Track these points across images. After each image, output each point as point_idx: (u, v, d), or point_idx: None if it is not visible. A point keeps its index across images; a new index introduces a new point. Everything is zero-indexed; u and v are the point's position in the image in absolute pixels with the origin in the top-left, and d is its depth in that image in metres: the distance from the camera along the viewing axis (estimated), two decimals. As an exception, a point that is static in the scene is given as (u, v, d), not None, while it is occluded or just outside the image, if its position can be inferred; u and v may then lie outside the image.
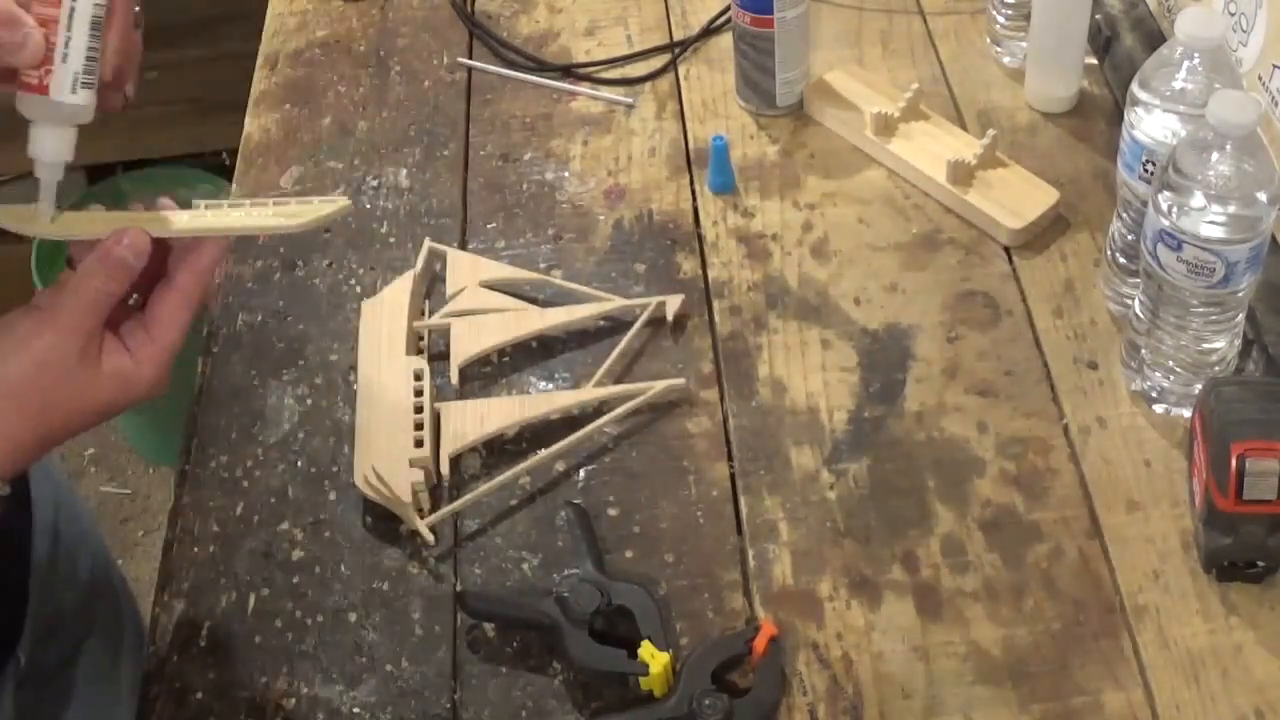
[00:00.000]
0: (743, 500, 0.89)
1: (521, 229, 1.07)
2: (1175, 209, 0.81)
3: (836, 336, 0.98)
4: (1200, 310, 0.85)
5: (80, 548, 1.05)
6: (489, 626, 0.83)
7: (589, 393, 0.93)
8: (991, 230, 1.03)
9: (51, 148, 0.76)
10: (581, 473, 0.91)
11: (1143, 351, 0.90)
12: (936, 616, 0.82)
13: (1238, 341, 0.89)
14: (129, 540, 1.98)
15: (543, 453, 0.90)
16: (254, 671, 0.82)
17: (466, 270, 1.01)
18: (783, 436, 0.92)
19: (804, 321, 0.99)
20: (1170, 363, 0.89)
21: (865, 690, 0.79)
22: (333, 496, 0.91)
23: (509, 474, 0.89)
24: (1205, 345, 0.88)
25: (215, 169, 1.94)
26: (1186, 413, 0.89)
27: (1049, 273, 1.01)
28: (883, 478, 0.89)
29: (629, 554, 0.86)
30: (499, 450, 0.92)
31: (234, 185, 1.14)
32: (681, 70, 1.21)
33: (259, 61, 1.26)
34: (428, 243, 1.03)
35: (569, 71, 1.21)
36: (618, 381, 0.95)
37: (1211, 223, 0.80)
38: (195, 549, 0.89)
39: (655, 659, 0.77)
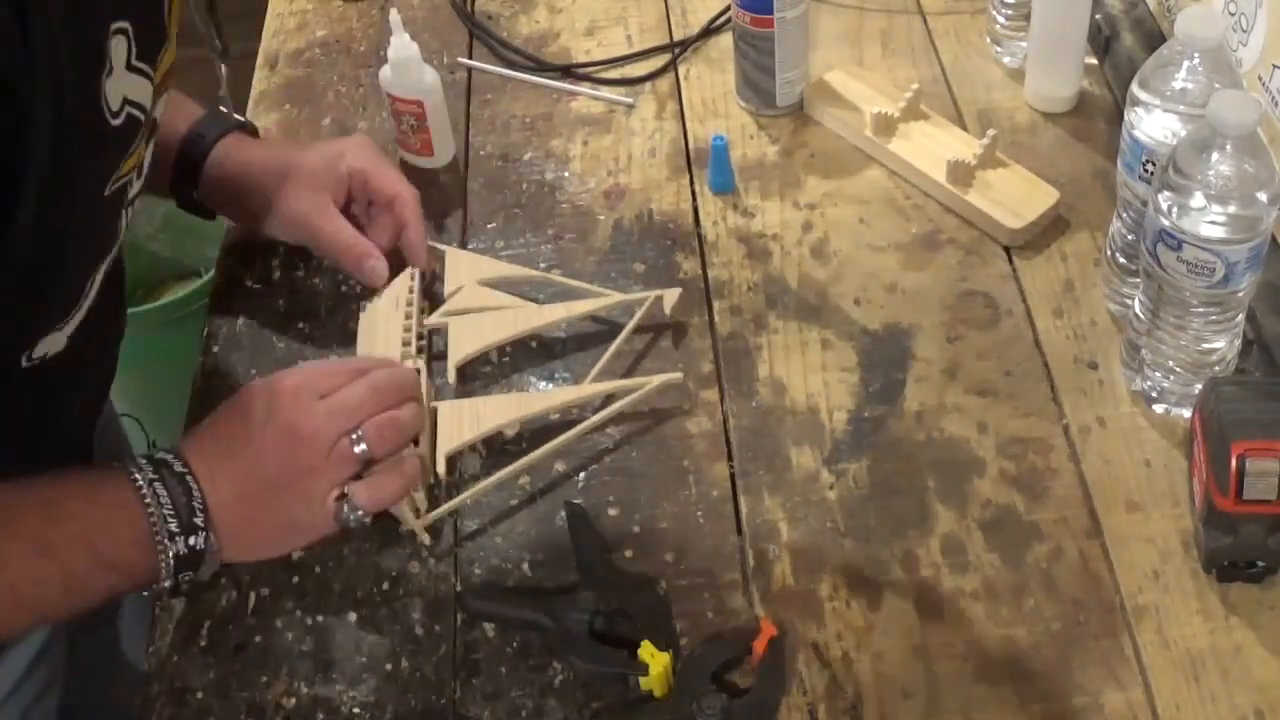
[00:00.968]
0: (743, 500, 0.89)
1: (521, 229, 1.07)
2: (1175, 209, 0.81)
3: (836, 336, 0.97)
4: (1200, 310, 0.85)
5: None
6: (489, 626, 0.83)
7: (586, 389, 0.93)
8: (991, 230, 1.03)
9: None
10: (581, 473, 0.91)
11: (1143, 351, 0.90)
12: (936, 616, 0.82)
13: (1238, 341, 0.89)
14: (129, 540, 1.98)
15: (539, 450, 0.90)
16: (254, 671, 0.82)
17: (465, 268, 1.01)
18: (783, 436, 0.92)
19: (804, 321, 0.99)
20: (1170, 363, 0.89)
21: (865, 690, 0.79)
22: (333, 496, 0.91)
23: (505, 472, 0.89)
24: (1205, 345, 0.88)
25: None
26: (1186, 413, 0.89)
27: (1049, 273, 1.01)
28: (883, 478, 0.89)
29: (629, 554, 0.86)
30: (499, 451, 0.92)
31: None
32: (681, 70, 1.21)
33: (259, 61, 1.26)
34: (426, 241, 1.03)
35: (569, 71, 1.21)
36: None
37: (1211, 223, 0.80)
38: (195, 549, 0.89)
39: (655, 659, 0.77)
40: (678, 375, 0.94)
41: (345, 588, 0.86)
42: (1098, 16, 1.14)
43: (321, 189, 0.97)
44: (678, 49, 1.23)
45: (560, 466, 0.91)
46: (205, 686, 0.82)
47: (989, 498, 0.88)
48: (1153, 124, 0.87)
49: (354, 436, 0.80)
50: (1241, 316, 0.88)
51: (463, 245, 1.06)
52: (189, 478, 0.78)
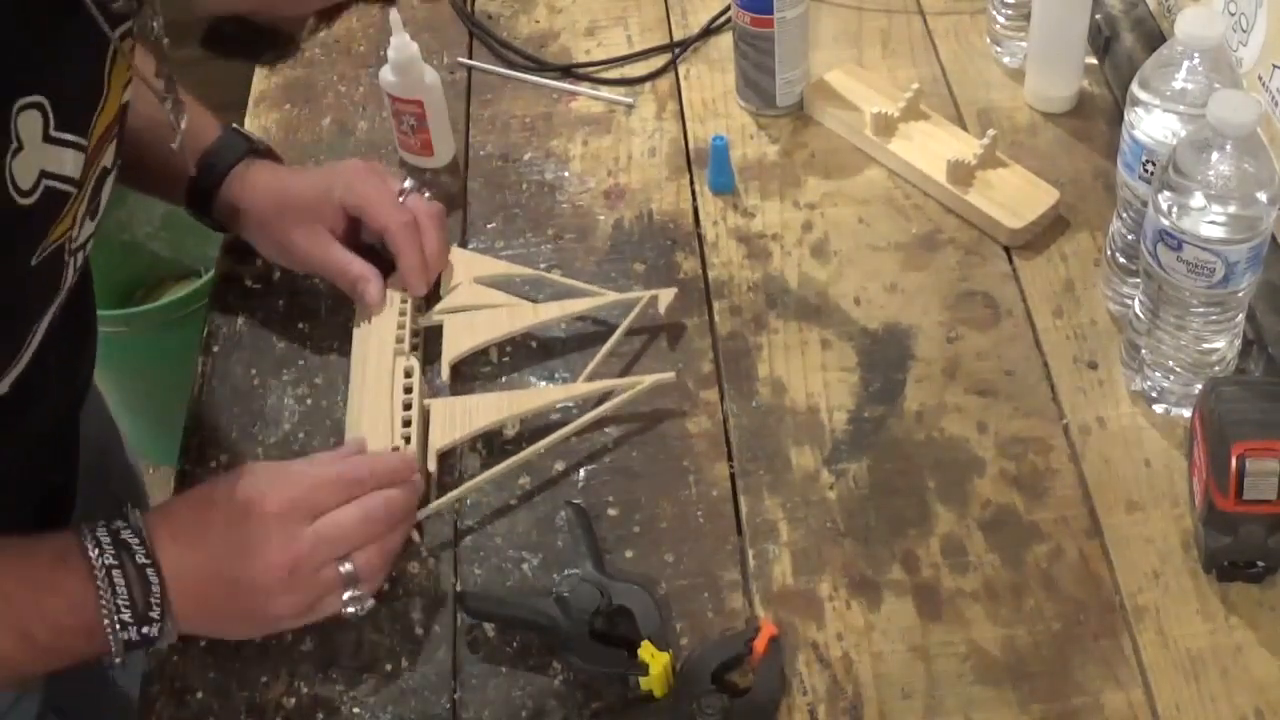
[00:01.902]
0: (743, 500, 0.89)
1: (521, 229, 1.07)
2: (1175, 209, 0.81)
3: (836, 336, 0.97)
4: (1200, 310, 0.85)
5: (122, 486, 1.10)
6: (489, 626, 0.83)
7: (578, 388, 0.93)
8: (991, 230, 1.03)
9: None
10: (581, 472, 0.91)
11: (1143, 351, 0.90)
12: (936, 616, 0.82)
13: (1238, 341, 0.89)
14: (129, 540, 1.98)
15: (532, 448, 0.90)
16: (254, 671, 0.82)
17: (461, 266, 1.01)
18: (783, 436, 0.92)
19: (804, 321, 0.99)
20: (1170, 363, 0.89)
21: (865, 690, 0.79)
22: (333, 496, 0.91)
23: (495, 470, 0.89)
24: (1205, 345, 0.88)
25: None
26: (1186, 413, 0.89)
27: (1049, 273, 1.01)
28: (883, 478, 0.89)
29: (629, 554, 0.86)
30: (499, 450, 0.92)
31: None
32: (681, 70, 1.21)
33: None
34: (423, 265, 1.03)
35: (569, 71, 1.21)
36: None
37: (1211, 223, 0.80)
38: (195, 549, 0.88)
39: (655, 659, 0.77)
40: (670, 375, 0.94)
41: (345, 588, 0.86)
42: (1098, 16, 1.14)
43: (314, 221, 0.97)
44: (678, 49, 1.23)
45: (560, 466, 0.91)
46: (205, 686, 0.82)
47: (989, 498, 0.88)
48: (1153, 124, 0.87)
49: (342, 568, 0.80)
50: (1241, 316, 0.88)
51: (463, 245, 1.06)
52: (149, 570, 0.75)
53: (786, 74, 1.12)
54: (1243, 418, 0.79)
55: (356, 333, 0.97)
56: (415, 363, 0.94)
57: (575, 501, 0.88)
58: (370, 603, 0.81)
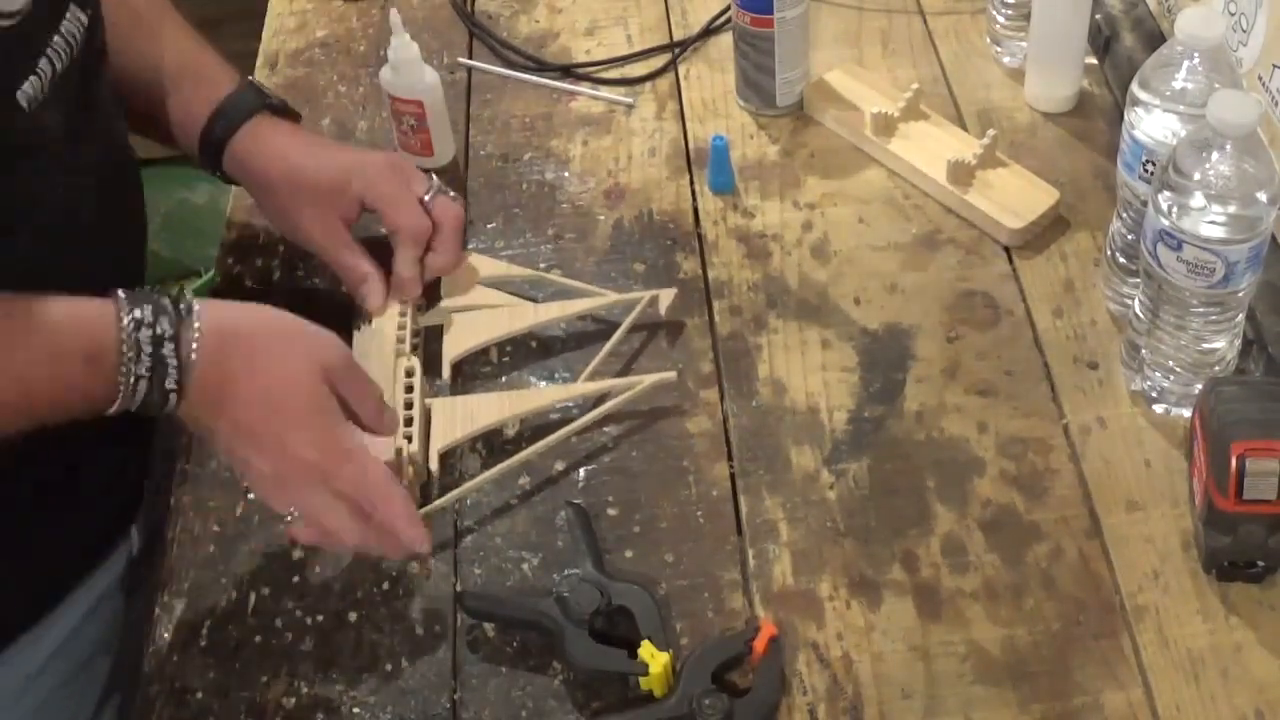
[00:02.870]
0: (743, 500, 0.89)
1: (521, 229, 1.07)
2: (1175, 209, 0.81)
3: (836, 336, 0.97)
4: (1200, 310, 0.85)
5: None
6: (489, 626, 0.83)
7: (579, 387, 0.93)
8: (991, 230, 1.03)
9: None
10: (581, 472, 0.91)
11: (1143, 351, 0.90)
12: (936, 616, 0.82)
13: (1238, 341, 0.89)
14: (129, 540, 1.98)
15: (532, 448, 0.90)
16: (254, 671, 0.82)
17: (466, 268, 1.01)
18: (783, 436, 0.92)
19: (804, 321, 0.99)
20: (1170, 363, 0.89)
21: (865, 690, 0.79)
22: (333, 496, 0.91)
23: (496, 470, 0.89)
24: (1205, 345, 0.88)
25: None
26: (1186, 413, 0.89)
27: (1049, 273, 1.01)
28: (883, 478, 0.89)
29: (629, 554, 0.86)
30: (499, 450, 0.92)
31: (234, 185, 1.14)
32: (681, 70, 1.21)
33: (259, 61, 1.26)
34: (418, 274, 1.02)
35: (569, 71, 1.21)
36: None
37: (1211, 223, 0.80)
38: (195, 549, 0.89)
39: (655, 659, 0.77)
40: (672, 374, 0.94)
41: (345, 588, 0.86)
42: (1098, 16, 1.14)
43: (329, 209, 0.96)
44: (678, 49, 1.23)
45: (560, 466, 0.91)
46: (205, 686, 0.82)
47: (989, 498, 0.88)
48: (1153, 124, 0.87)
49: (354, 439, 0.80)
50: (1241, 316, 0.88)
51: (463, 245, 1.06)
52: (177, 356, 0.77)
53: (786, 74, 1.12)
54: (1243, 418, 0.79)
55: (357, 334, 0.97)
56: (416, 362, 0.94)
57: (575, 501, 0.88)
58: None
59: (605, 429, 0.93)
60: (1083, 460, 0.89)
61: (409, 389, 0.92)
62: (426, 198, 0.97)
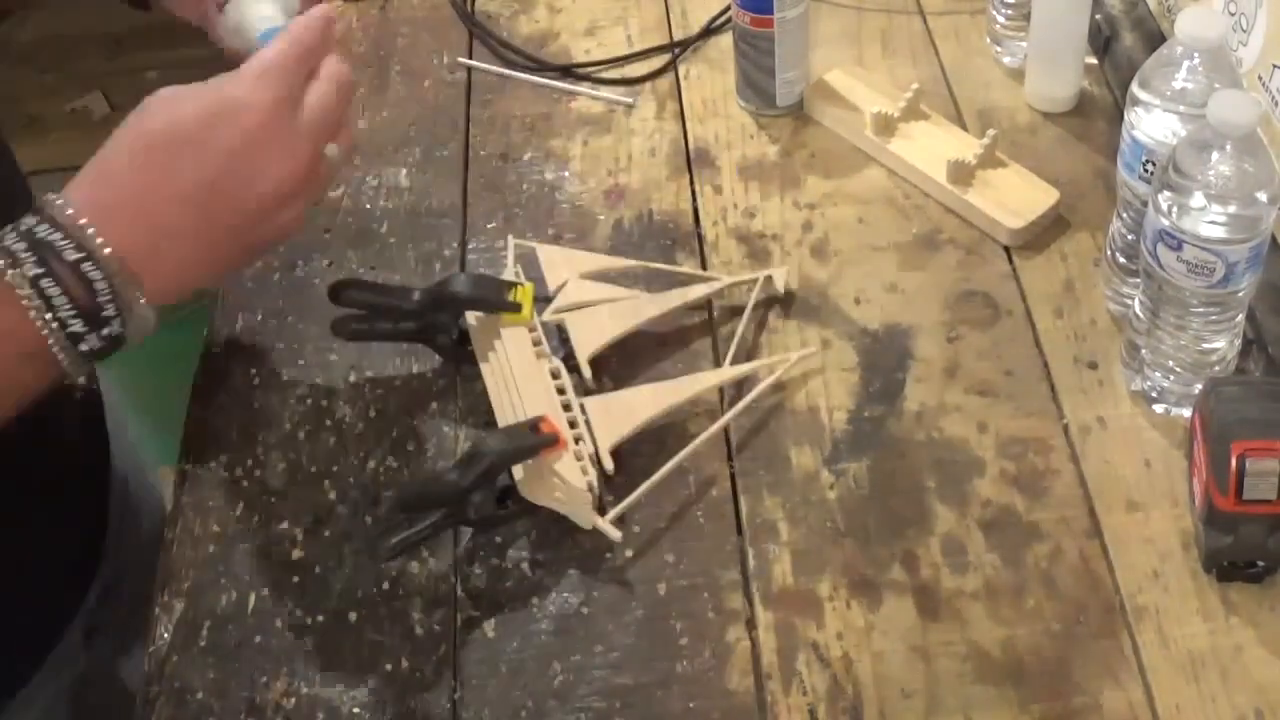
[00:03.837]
0: (743, 500, 0.89)
1: (521, 229, 1.07)
2: (1175, 209, 0.81)
3: (836, 336, 0.98)
4: (1200, 310, 0.85)
5: (144, 506, 1.08)
6: (489, 626, 0.83)
7: (726, 372, 0.94)
8: (991, 230, 1.03)
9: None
10: (581, 473, 0.91)
11: (1143, 351, 0.90)
12: (936, 616, 0.82)
13: (1238, 341, 0.89)
14: (129, 540, 1.98)
15: (701, 437, 0.90)
16: (254, 671, 0.82)
17: (561, 264, 1.00)
18: (783, 436, 0.92)
19: (804, 321, 0.99)
20: (1170, 363, 0.89)
21: (865, 690, 0.79)
22: (333, 496, 0.91)
23: (666, 469, 0.88)
24: (1205, 345, 0.88)
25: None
26: (1186, 413, 0.89)
27: (1049, 273, 1.01)
28: (883, 478, 0.89)
29: (629, 553, 0.86)
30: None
31: None
32: (681, 70, 1.21)
33: (259, 61, 1.25)
34: (511, 240, 1.02)
35: (569, 71, 1.22)
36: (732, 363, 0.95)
37: (1211, 223, 0.80)
38: (195, 549, 0.89)
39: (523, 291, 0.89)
40: (814, 349, 0.95)
41: (345, 588, 0.86)
42: (1098, 16, 1.14)
43: None
44: (678, 49, 1.23)
45: (560, 466, 0.91)
46: (205, 686, 0.82)
47: (989, 498, 0.88)
48: (1153, 124, 0.87)
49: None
50: (1241, 316, 0.88)
51: (463, 245, 1.06)
52: (87, 264, 0.64)
53: (786, 74, 1.12)
54: (1243, 418, 0.79)
55: (476, 346, 0.95)
56: (559, 363, 0.93)
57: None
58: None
59: (752, 406, 0.93)
60: (1083, 460, 0.89)
61: (560, 390, 0.91)
62: None
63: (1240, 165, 0.79)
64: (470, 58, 1.24)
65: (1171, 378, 0.90)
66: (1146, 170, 0.88)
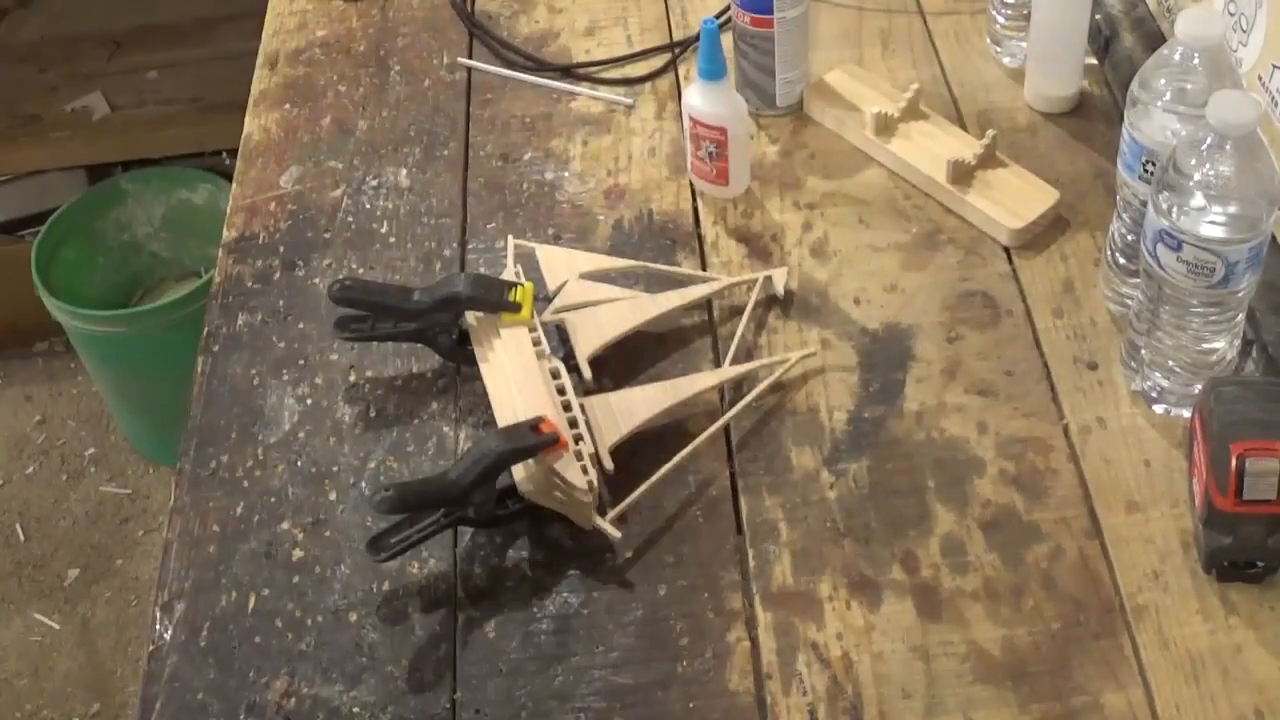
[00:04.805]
0: (743, 500, 0.89)
1: (521, 229, 1.07)
2: (1175, 209, 0.81)
3: (836, 336, 0.98)
4: (1200, 310, 0.85)
5: None
6: (489, 626, 0.83)
7: (727, 372, 0.94)
8: (991, 230, 1.03)
9: None
10: (581, 473, 0.91)
11: (1143, 351, 0.90)
12: (936, 616, 0.82)
13: (1238, 341, 0.89)
14: (129, 540, 1.98)
15: (701, 437, 0.90)
16: (254, 671, 0.82)
17: (561, 264, 1.00)
18: (783, 436, 0.92)
19: (804, 321, 0.99)
20: (1170, 363, 0.89)
21: (865, 690, 0.79)
22: (333, 496, 0.91)
23: (667, 467, 0.88)
24: (1205, 345, 0.88)
25: (215, 169, 1.94)
26: (1186, 413, 0.89)
27: (1049, 273, 1.01)
28: (883, 478, 0.89)
29: (629, 554, 0.86)
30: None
31: (234, 185, 1.14)
32: (681, 70, 1.21)
33: (259, 61, 1.26)
34: (511, 240, 1.02)
35: (569, 71, 1.22)
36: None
37: (1211, 223, 0.80)
38: (195, 549, 0.89)
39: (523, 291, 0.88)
40: (814, 350, 0.95)
41: (345, 588, 0.86)
42: (1098, 16, 1.14)
43: None
44: (678, 49, 1.23)
45: (560, 466, 0.91)
46: (205, 686, 0.82)
47: (989, 498, 0.88)
48: (1153, 124, 0.87)
49: None
50: (1241, 316, 0.88)
51: (462, 245, 1.06)
52: None
53: (786, 74, 1.12)
54: (1243, 418, 0.79)
55: (476, 346, 0.95)
56: (559, 363, 0.93)
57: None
58: None
59: (753, 405, 0.93)
60: (1082, 460, 0.89)
61: (560, 390, 0.91)
62: None
63: (1240, 165, 0.79)
64: (470, 58, 1.24)
65: (1171, 378, 0.90)
66: (1146, 170, 0.88)
